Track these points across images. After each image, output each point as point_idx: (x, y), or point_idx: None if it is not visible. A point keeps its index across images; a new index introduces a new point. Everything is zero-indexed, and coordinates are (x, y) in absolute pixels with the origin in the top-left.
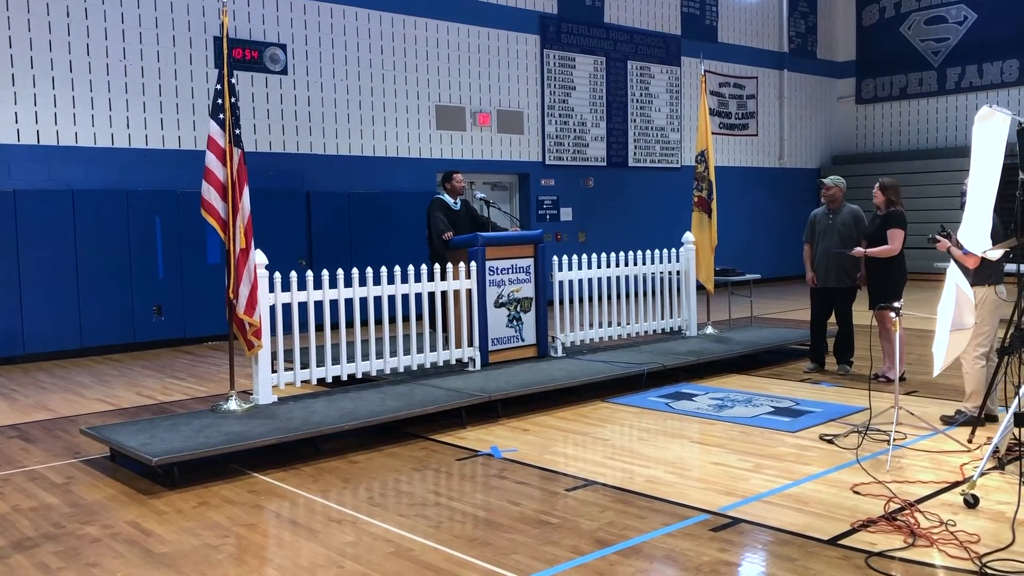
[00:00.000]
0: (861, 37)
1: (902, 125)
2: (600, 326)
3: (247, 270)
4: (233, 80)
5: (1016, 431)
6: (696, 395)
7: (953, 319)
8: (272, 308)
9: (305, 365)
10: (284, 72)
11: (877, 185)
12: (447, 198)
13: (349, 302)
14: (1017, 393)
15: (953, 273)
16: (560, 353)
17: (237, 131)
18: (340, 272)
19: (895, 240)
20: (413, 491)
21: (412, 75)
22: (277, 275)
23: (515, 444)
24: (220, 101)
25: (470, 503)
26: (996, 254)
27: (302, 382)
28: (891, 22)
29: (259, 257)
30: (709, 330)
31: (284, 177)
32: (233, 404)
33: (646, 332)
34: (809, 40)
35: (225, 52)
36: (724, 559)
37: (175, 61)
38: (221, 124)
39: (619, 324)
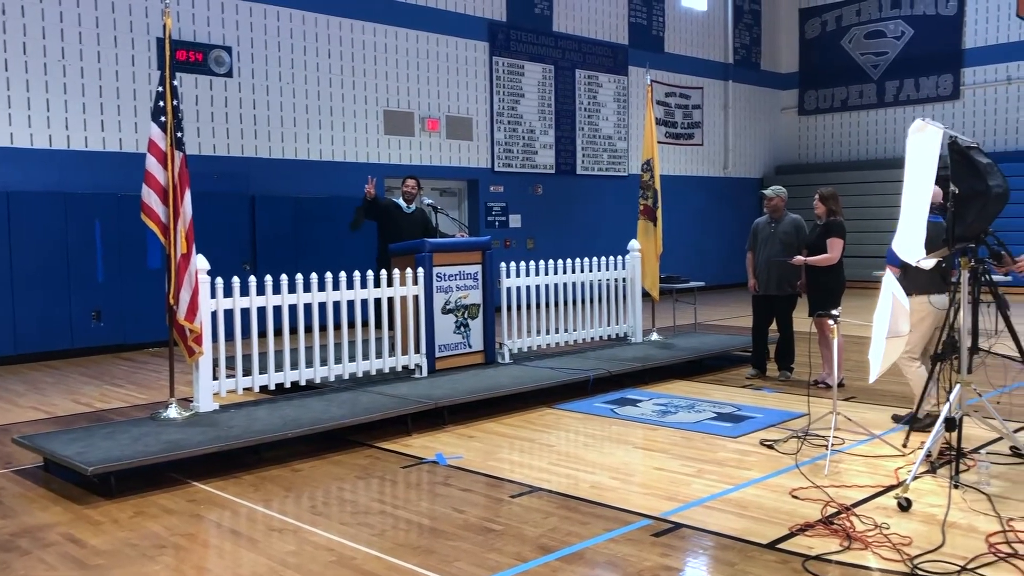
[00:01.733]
0: (804, 50)
1: (843, 136)
2: (547, 332)
3: (188, 275)
4: (176, 82)
5: (947, 435)
6: (641, 401)
7: (889, 326)
8: (214, 314)
9: (247, 372)
10: (229, 75)
11: (817, 195)
12: (401, 202)
13: (293, 308)
14: (948, 399)
15: (889, 281)
16: (507, 359)
17: (179, 134)
18: (284, 277)
19: (834, 249)
20: (356, 499)
21: (360, 79)
22: (219, 280)
23: (461, 451)
24: (162, 103)
25: (414, 511)
26: (930, 263)
27: (244, 389)
28: (832, 35)
29: (201, 262)
30: (654, 336)
31: (229, 181)
32: (173, 412)
33: (592, 338)
34: (753, 52)
35: (168, 54)
36: (665, 564)
37: (116, 62)
38: (162, 127)
39: (566, 330)
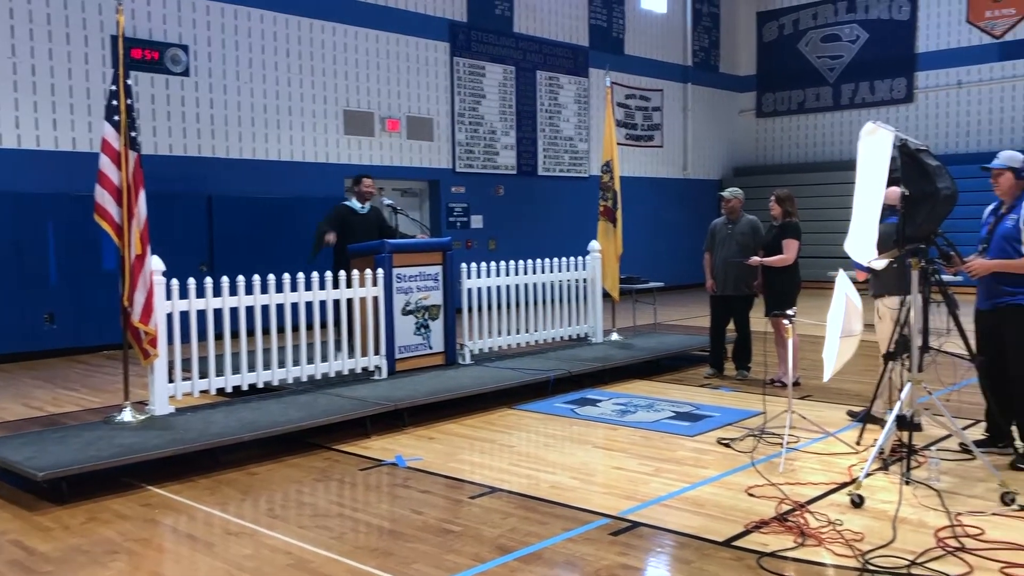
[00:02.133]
0: (761, 53)
1: (800, 138)
2: (508, 333)
3: (143, 276)
4: (130, 81)
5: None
6: (601, 401)
7: (842, 326)
8: (169, 316)
9: (204, 375)
10: (186, 74)
11: (773, 197)
12: (354, 203)
13: (250, 310)
14: (900, 397)
15: (842, 282)
16: (468, 360)
17: (133, 133)
18: (240, 278)
19: (790, 250)
20: (314, 502)
21: (319, 79)
22: (175, 282)
23: (421, 453)
24: (115, 102)
25: (373, 513)
26: (881, 264)
27: (201, 392)
28: (790, 39)
29: (156, 263)
30: (614, 337)
31: (185, 181)
32: (128, 415)
33: (553, 339)
34: (712, 54)
35: (120, 52)
36: (623, 563)
37: (69, 59)
38: (116, 126)
39: (527, 331)
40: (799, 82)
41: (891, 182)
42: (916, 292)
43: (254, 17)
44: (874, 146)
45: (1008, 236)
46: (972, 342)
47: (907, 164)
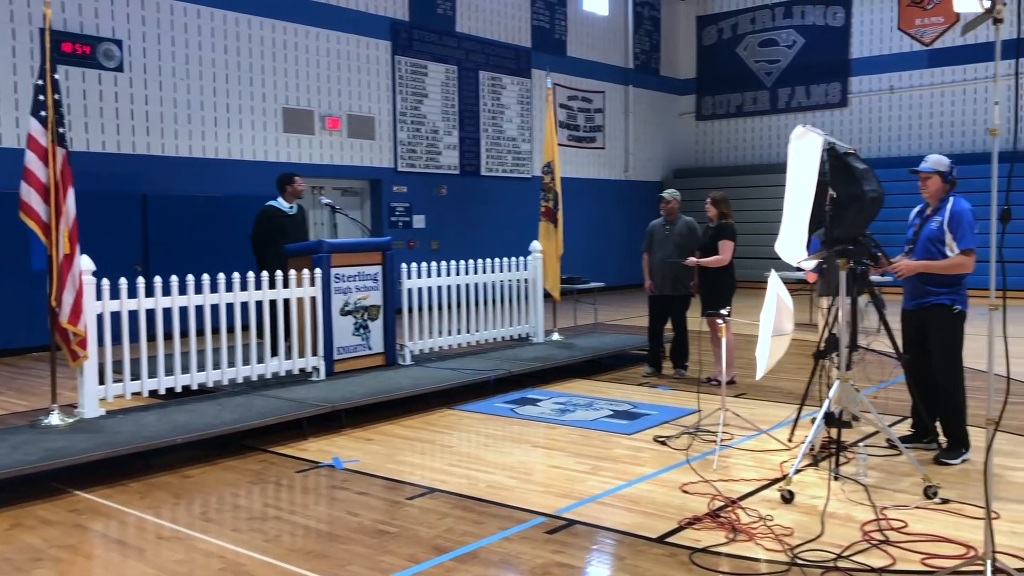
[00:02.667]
0: (701, 56)
1: (738, 141)
2: (449, 333)
3: (71, 276)
4: (59, 76)
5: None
6: (541, 400)
7: (774, 325)
8: (100, 316)
9: (136, 376)
10: (120, 69)
11: (709, 199)
12: (281, 203)
13: (184, 310)
14: (828, 394)
15: (774, 282)
16: (408, 361)
17: (61, 130)
18: (174, 278)
19: (725, 251)
20: (249, 505)
21: (258, 76)
22: (105, 282)
23: (358, 454)
24: (42, 97)
25: (308, 515)
26: (810, 264)
27: (133, 394)
28: (728, 43)
29: (85, 263)
30: (555, 336)
31: (120, 179)
32: (55, 418)
33: (495, 339)
34: (653, 57)
35: (47, 46)
36: (558, 561)
37: None
38: (43, 122)
39: (468, 331)
40: (738, 86)
41: (820, 185)
42: (844, 292)
43: (191, 12)
44: (804, 149)
45: (933, 238)
46: (899, 341)
47: (835, 167)
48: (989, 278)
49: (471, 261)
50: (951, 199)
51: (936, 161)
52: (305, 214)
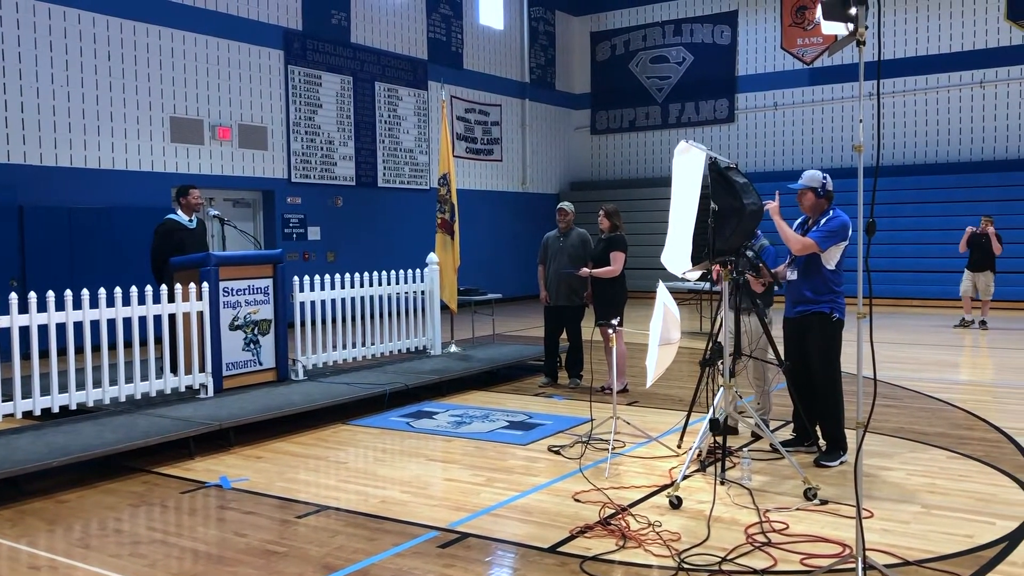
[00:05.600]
0: (595, 72)
1: (631, 155)
2: (344, 347)
3: None
4: None
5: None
6: (437, 413)
7: (661, 334)
8: None
9: (8, 397)
10: None
11: (601, 211)
12: (180, 216)
13: (62, 327)
14: (713, 402)
15: (662, 293)
16: (301, 376)
17: None
18: (51, 294)
19: (616, 262)
20: (130, 529)
21: (143, 84)
22: None
23: (248, 473)
24: None
25: (192, 537)
26: (695, 275)
27: (5, 416)
28: (621, 59)
29: None
30: (453, 348)
31: None
32: None
33: (391, 352)
34: (549, 72)
35: None
36: (448, 575)
37: None
38: None
39: (364, 345)
40: (630, 101)
41: (703, 198)
42: (727, 301)
43: (71, 17)
44: (687, 164)
45: None
46: (781, 348)
47: (716, 181)
48: (857, 287)
49: (366, 273)
50: (831, 212)
51: (809, 177)
52: (206, 227)
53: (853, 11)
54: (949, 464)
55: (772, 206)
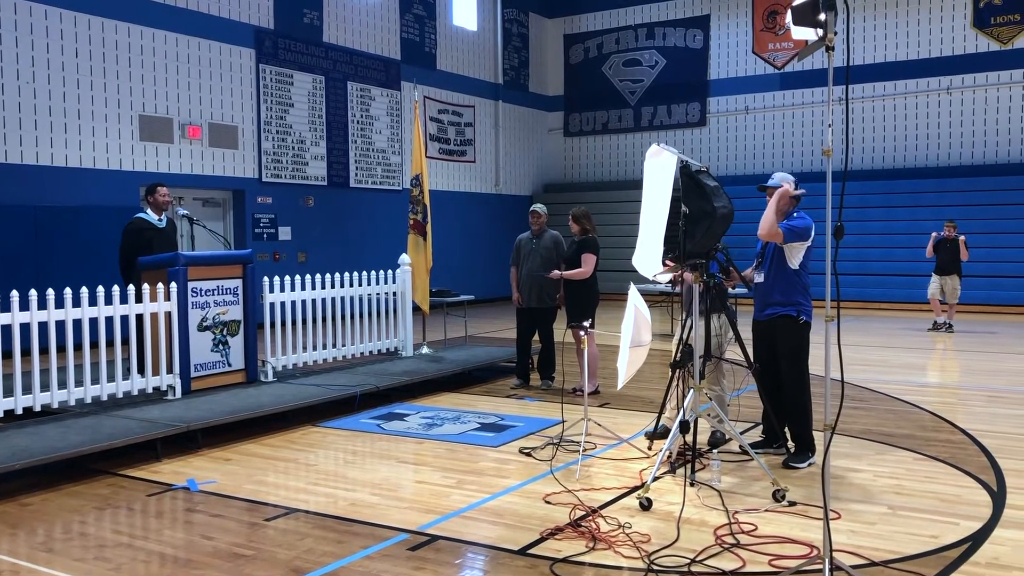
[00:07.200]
0: (568, 74)
1: (604, 157)
2: (315, 348)
3: None
4: None
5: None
6: (408, 415)
7: (632, 336)
8: None
9: None
10: None
11: (571, 214)
12: (150, 215)
13: (26, 327)
14: (683, 404)
15: (633, 295)
16: (271, 378)
17: None
18: (15, 293)
19: (587, 264)
20: (94, 532)
21: (112, 82)
22: None
23: (216, 475)
24: None
25: (158, 541)
26: (665, 277)
27: None
28: (594, 62)
29: None
30: (425, 350)
31: None
32: None
33: (363, 353)
34: (522, 74)
35: None
36: None
37: None
38: None
39: (335, 346)
40: (603, 103)
41: (674, 201)
42: (696, 304)
43: (37, 13)
44: (659, 167)
45: (780, 251)
46: (750, 351)
47: (687, 184)
48: (825, 290)
49: (337, 274)
50: (795, 214)
51: (781, 178)
52: (176, 226)
53: (822, 17)
54: (915, 465)
55: (781, 190)
